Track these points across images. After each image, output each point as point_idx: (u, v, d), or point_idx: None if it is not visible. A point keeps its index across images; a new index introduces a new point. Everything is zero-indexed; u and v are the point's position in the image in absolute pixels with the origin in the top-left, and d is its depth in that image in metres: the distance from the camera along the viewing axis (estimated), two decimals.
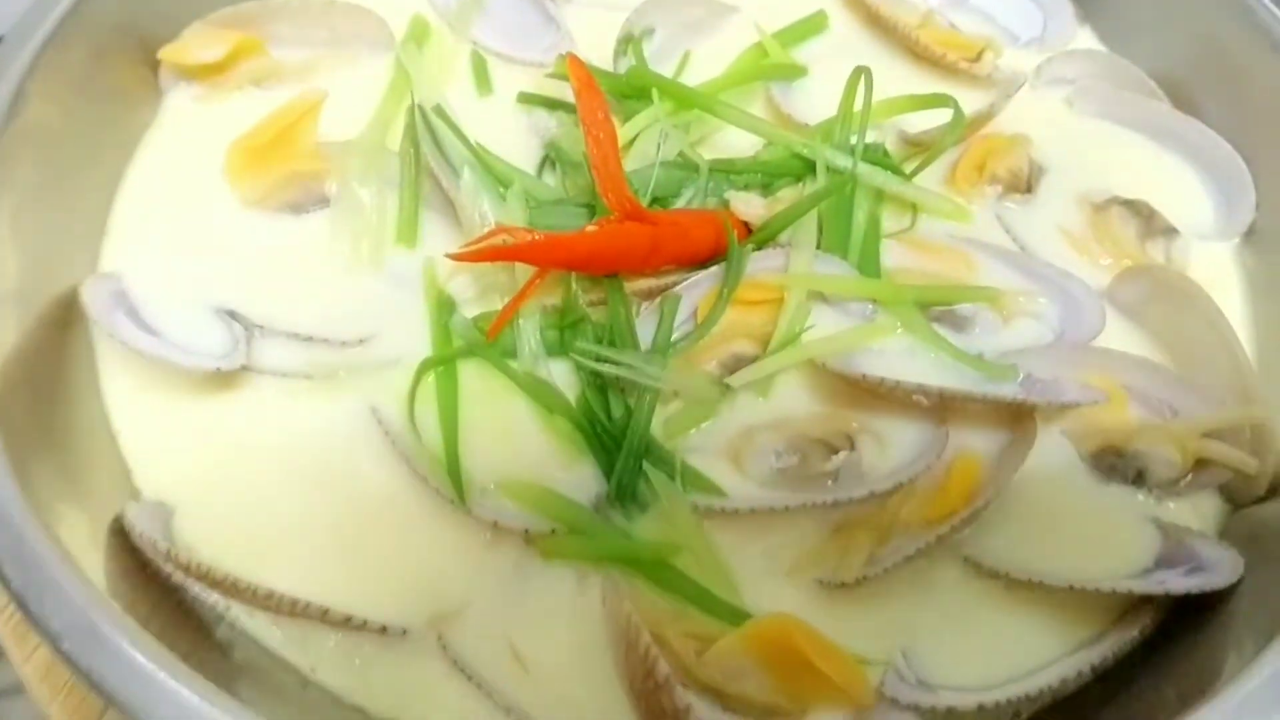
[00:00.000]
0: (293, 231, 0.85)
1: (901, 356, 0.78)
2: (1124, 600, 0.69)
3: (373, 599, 0.67)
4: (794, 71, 0.95)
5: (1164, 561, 0.71)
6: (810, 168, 0.85)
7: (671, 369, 0.74)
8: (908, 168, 0.88)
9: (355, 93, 0.91)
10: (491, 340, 0.76)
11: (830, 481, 0.73)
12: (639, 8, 0.95)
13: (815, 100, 0.93)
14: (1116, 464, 0.74)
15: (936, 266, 0.84)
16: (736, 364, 0.77)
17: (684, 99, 0.87)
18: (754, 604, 0.68)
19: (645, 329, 0.77)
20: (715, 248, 0.80)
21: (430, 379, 0.75)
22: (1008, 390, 0.74)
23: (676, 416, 0.75)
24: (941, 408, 0.75)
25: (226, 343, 0.77)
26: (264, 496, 0.72)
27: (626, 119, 0.88)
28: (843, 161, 0.84)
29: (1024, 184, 0.89)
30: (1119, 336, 0.81)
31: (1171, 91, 0.95)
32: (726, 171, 0.86)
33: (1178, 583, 0.67)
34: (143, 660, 0.54)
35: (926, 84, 0.96)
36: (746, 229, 0.82)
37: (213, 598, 0.67)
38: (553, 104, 0.91)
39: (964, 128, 0.87)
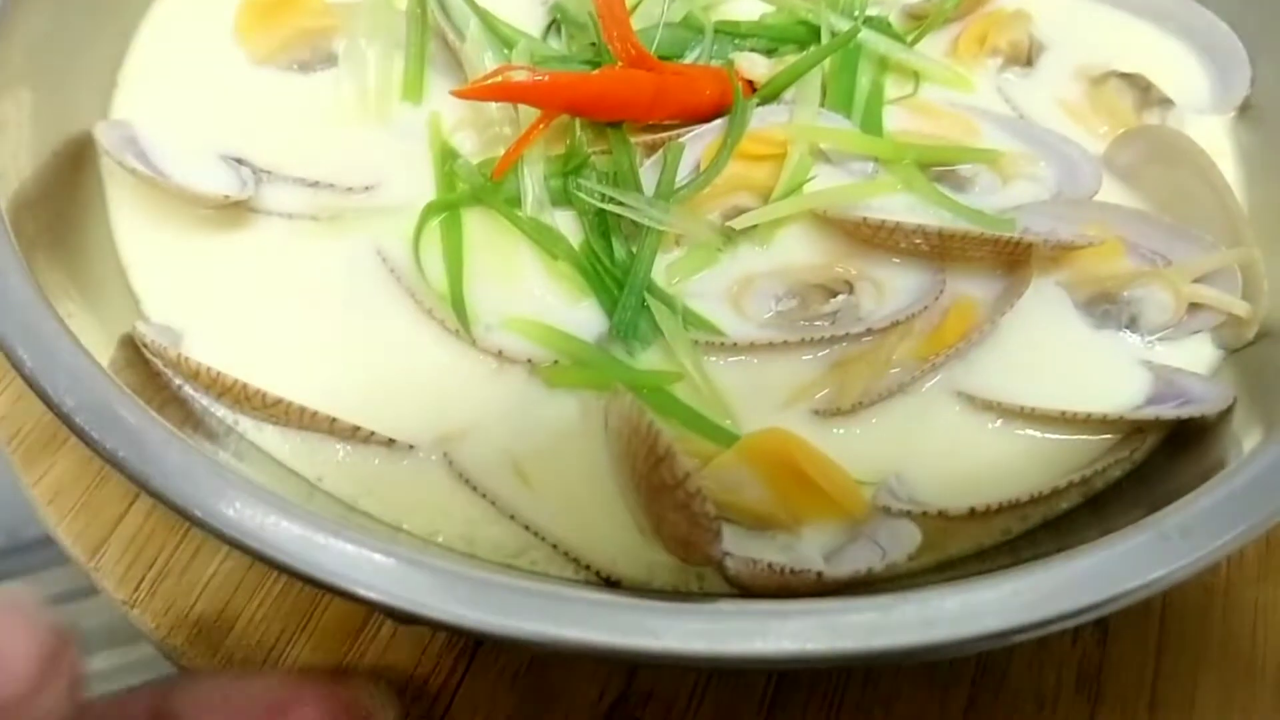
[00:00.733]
0: (301, 89, 0.86)
1: (902, 212, 0.79)
2: (1115, 429, 0.70)
3: (380, 417, 0.68)
4: None
5: (1155, 400, 0.72)
6: (815, 34, 0.87)
7: (675, 213, 0.75)
8: (911, 39, 0.89)
9: None
10: (496, 182, 0.76)
11: (828, 323, 0.74)
12: None
13: None
14: (1110, 310, 0.76)
15: (939, 129, 0.85)
16: (738, 215, 0.78)
17: None
18: (750, 430, 0.70)
19: (649, 177, 0.78)
20: (720, 102, 0.81)
21: (435, 223, 0.77)
22: (1000, 232, 0.75)
23: (679, 261, 0.76)
24: (940, 253, 0.76)
25: (234, 183, 0.77)
26: (273, 324, 0.73)
27: None
28: (846, 26, 0.85)
29: (1024, 57, 0.90)
30: (1115, 198, 0.82)
31: None
32: (732, 34, 0.87)
33: (1168, 411, 0.69)
34: (157, 432, 0.55)
35: None
36: (751, 88, 0.83)
37: (221, 410, 0.68)
38: None
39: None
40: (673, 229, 0.75)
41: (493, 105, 0.81)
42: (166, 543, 0.73)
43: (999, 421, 0.71)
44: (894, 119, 0.85)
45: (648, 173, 0.78)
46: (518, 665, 0.70)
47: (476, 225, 0.78)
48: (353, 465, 0.67)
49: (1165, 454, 0.70)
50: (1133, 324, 0.75)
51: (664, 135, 0.80)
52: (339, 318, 0.73)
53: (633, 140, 0.80)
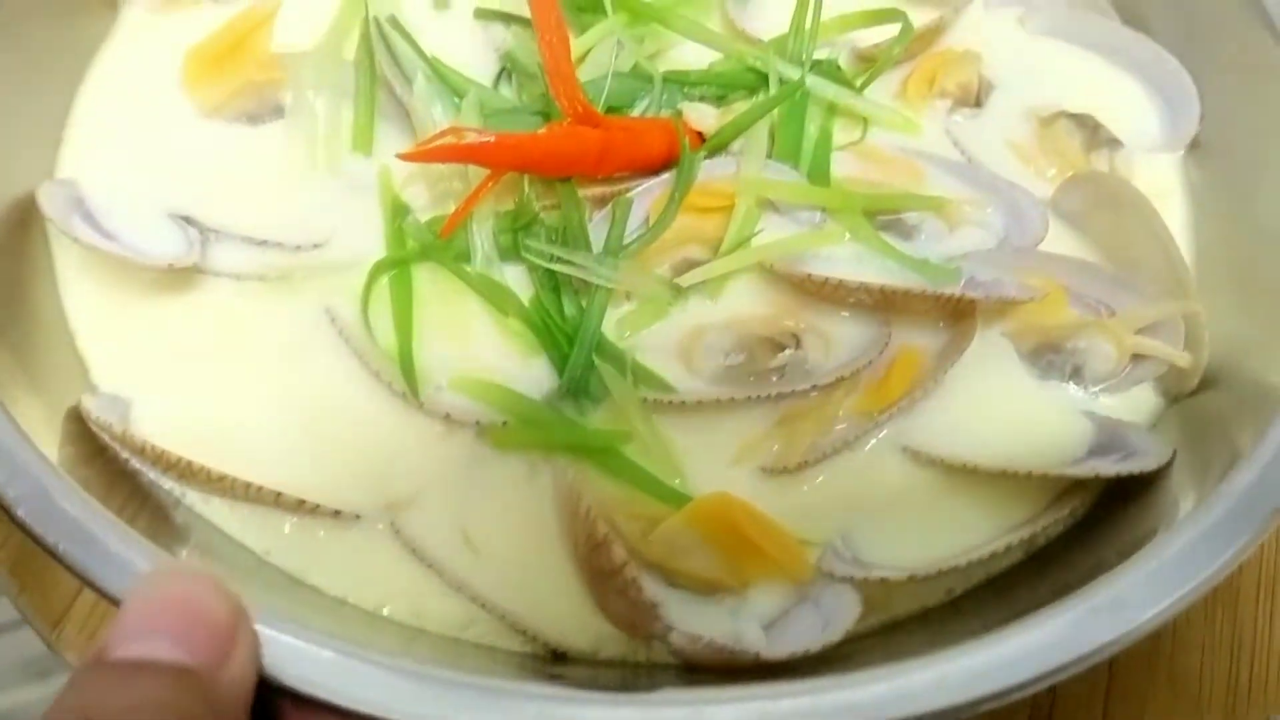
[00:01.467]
0: (249, 141, 0.85)
1: (848, 261, 0.79)
2: (1056, 484, 0.71)
3: (327, 487, 0.69)
4: None
5: (1097, 451, 0.73)
6: (763, 81, 0.87)
7: (624, 269, 0.76)
8: (859, 82, 0.89)
9: (313, 3, 0.91)
10: (445, 240, 0.77)
11: (776, 378, 0.75)
12: None
13: (770, 15, 0.93)
14: (1054, 360, 0.77)
15: (886, 176, 0.85)
16: (688, 268, 0.78)
17: (638, 11, 0.88)
18: (699, 491, 0.70)
19: (598, 232, 0.78)
20: (667, 154, 0.81)
21: (384, 280, 0.77)
22: (949, 287, 0.76)
23: (629, 316, 0.77)
24: (885, 306, 0.77)
25: (181, 245, 0.77)
26: (220, 391, 0.73)
27: (582, 33, 0.89)
28: (794, 73, 0.85)
29: (973, 98, 0.91)
30: (1062, 243, 0.83)
31: (1122, 8, 0.96)
32: (680, 83, 0.87)
33: (1107, 466, 0.70)
34: (99, 528, 0.55)
35: None
36: (700, 138, 0.84)
37: (168, 483, 0.68)
38: (509, 18, 0.92)
39: (911, 41, 0.88)
40: (621, 286, 0.76)
41: None
42: None
43: (943, 476, 0.72)
44: (842, 165, 0.85)
45: (597, 227, 0.78)
46: None
47: (427, 281, 0.78)
48: (300, 538, 0.68)
49: (1106, 507, 0.71)
50: (1077, 374, 0.76)
51: (613, 189, 0.80)
52: (285, 382, 0.73)
53: (583, 194, 0.80)
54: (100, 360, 0.75)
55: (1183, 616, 0.74)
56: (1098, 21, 0.95)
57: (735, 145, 0.83)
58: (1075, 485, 0.71)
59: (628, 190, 0.80)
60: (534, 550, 0.68)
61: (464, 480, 0.70)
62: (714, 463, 0.72)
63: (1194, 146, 0.90)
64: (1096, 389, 0.76)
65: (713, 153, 0.83)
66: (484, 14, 0.93)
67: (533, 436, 0.71)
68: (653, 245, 0.78)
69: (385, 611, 0.66)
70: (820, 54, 0.90)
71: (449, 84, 0.85)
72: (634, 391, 0.71)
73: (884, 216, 0.83)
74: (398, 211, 0.80)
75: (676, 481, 0.71)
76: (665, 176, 0.80)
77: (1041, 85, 0.92)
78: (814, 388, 0.73)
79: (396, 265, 0.77)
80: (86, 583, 0.54)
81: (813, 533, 0.69)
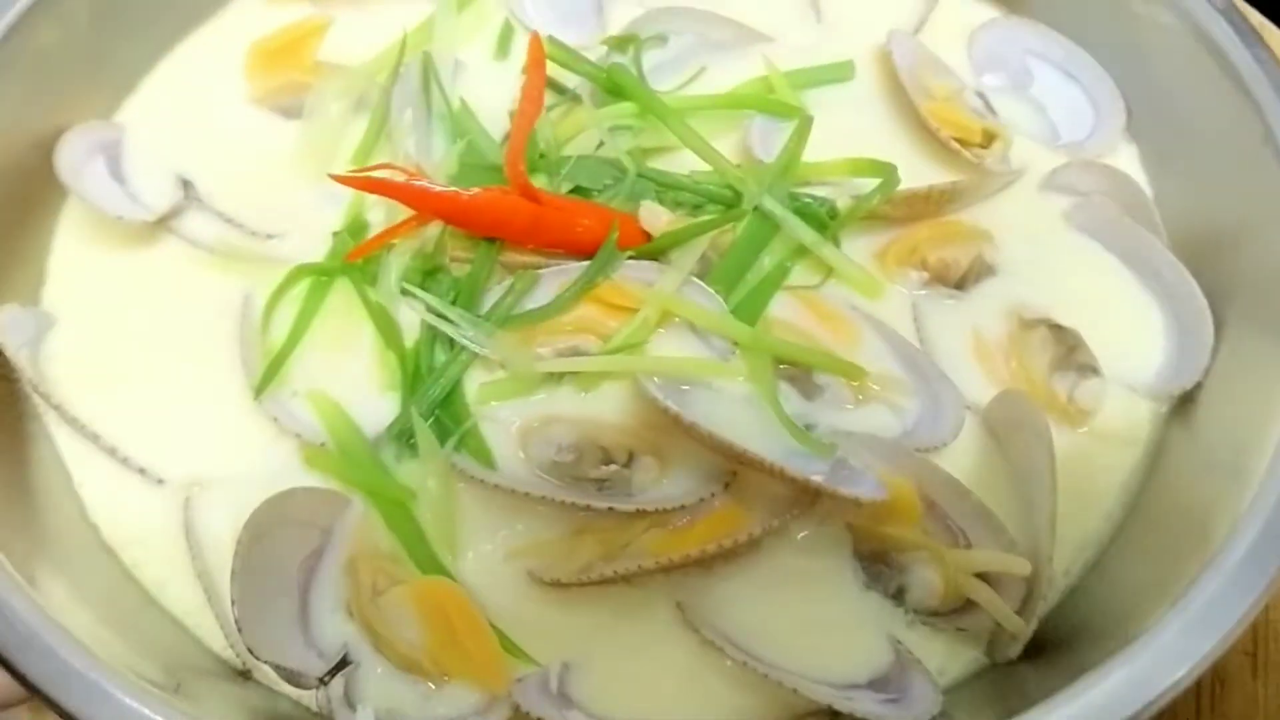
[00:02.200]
0: (275, 131, 0.93)
1: (733, 402, 0.76)
2: (809, 703, 0.65)
3: (150, 445, 0.75)
4: (786, 110, 0.93)
5: (878, 683, 0.66)
6: (740, 202, 0.85)
7: (498, 338, 0.77)
8: (848, 230, 0.85)
9: (383, 28, 0.98)
10: (352, 262, 0.81)
11: (594, 488, 0.73)
12: (654, 12, 0.97)
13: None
14: (883, 572, 0.70)
15: (820, 331, 0.81)
16: (573, 356, 0.78)
17: (646, 105, 0.89)
18: (466, 571, 0.71)
19: (494, 297, 0.80)
20: (600, 242, 0.81)
21: (304, 284, 0.83)
22: (800, 467, 0.70)
23: (492, 385, 0.78)
24: (735, 460, 0.73)
25: (164, 204, 0.87)
26: (126, 334, 0.81)
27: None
28: (770, 205, 0.83)
29: (954, 279, 0.84)
30: (975, 454, 0.77)
31: (1179, 236, 0.86)
32: (656, 182, 0.86)
33: (866, 705, 0.63)
34: None
35: (931, 160, 0.92)
36: (646, 237, 0.83)
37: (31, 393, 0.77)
38: (549, 84, 0.95)
39: (891, 195, 0.84)
40: (490, 354, 0.77)
41: None
42: None
43: (699, 646, 0.68)
44: (781, 306, 0.82)
45: (495, 294, 0.80)
46: None
47: (342, 295, 0.83)
48: (109, 477, 0.74)
49: None
50: (899, 595, 0.70)
51: (538, 263, 0.82)
52: (175, 344, 0.81)
53: (511, 258, 0.82)
54: (58, 279, 0.85)
55: None
56: (1144, 236, 0.86)
57: (673, 255, 0.82)
58: (828, 712, 0.65)
59: (544, 268, 0.81)
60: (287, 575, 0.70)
61: (264, 485, 0.73)
62: (493, 550, 0.72)
63: (1184, 401, 0.79)
64: (915, 617, 0.69)
65: (648, 256, 0.82)
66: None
67: (336, 466, 0.74)
68: (545, 325, 0.79)
69: (137, 574, 0.71)
70: (821, 192, 0.87)
71: (457, 126, 0.90)
72: (442, 456, 0.73)
73: (794, 370, 0.79)
74: (352, 228, 0.86)
75: (449, 556, 0.71)
76: (583, 264, 0.80)
77: (1046, 285, 0.85)
78: (610, 509, 0.70)
79: (313, 274, 0.82)
80: None
81: (545, 651, 0.68)
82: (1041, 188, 0.91)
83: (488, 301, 0.80)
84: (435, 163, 0.87)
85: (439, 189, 0.79)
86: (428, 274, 0.81)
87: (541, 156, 0.86)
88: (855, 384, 0.78)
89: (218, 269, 0.85)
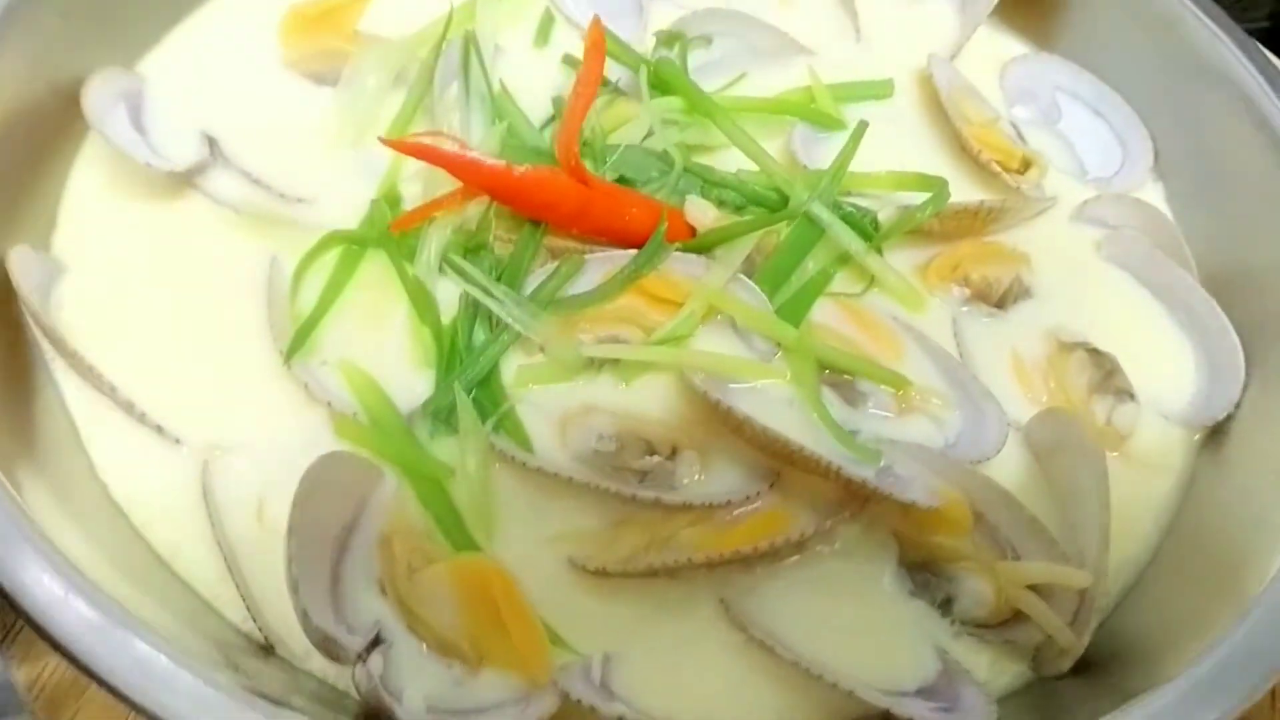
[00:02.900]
0: (305, 96, 0.91)
1: (775, 403, 0.75)
2: (854, 705, 0.63)
3: (167, 403, 0.71)
4: (828, 121, 0.93)
5: (926, 692, 0.65)
6: (785, 205, 0.84)
7: (542, 321, 0.75)
8: (889, 243, 0.85)
9: (425, 4, 0.96)
10: (396, 233, 0.78)
11: (636, 478, 0.71)
12: (701, 13, 0.97)
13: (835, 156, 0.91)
14: (929, 582, 0.69)
15: (863, 340, 0.81)
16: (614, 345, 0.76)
17: (694, 102, 0.88)
18: (502, 553, 0.68)
19: (537, 279, 0.77)
20: (649, 233, 0.79)
21: (335, 252, 0.79)
22: (850, 466, 0.69)
23: (532, 368, 0.75)
24: (782, 459, 0.71)
25: (190, 159, 0.83)
26: (142, 286, 0.77)
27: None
28: (816, 208, 0.82)
29: (994, 298, 0.84)
30: (1016, 472, 0.76)
31: (1206, 271, 0.88)
32: (702, 178, 0.85)
33: (918, 712, 0.62)
34: None
35: (966, 181, 0.93)
36: (691, 233, 0.82)
37: (46, 346, 0.73)
38: None
39: (940, 209, 0.83)
40: (533, 336, 0.75)
41: None
42: None
43: (746, 644, 0.66)
44: (823, 312, 0.81)
45: (539, 275, 0.77)
46: None
47: (375, 267, 0.80)
48: (121, 435, 0.70)
49: None
50: (946, 605, 0.68)
51: (581, 248, 0.80)
52: (199, 302, 0.77)
53: (553, 242, 0.80)
54: (69, 226, 0.80)
55: None
56: (1175, 271, 0.87)
57: (719, 251, 0.81)
58: (878, 715, 0.63)
59: (590, 253, 0.79)
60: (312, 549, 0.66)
61: (290, 456, 0.69)
62: (531, 534, 0.69)
63: (1215, 433, 0.80)
64: (961, 628, 0.68)
65: (694, 250, 0.80)
66: (570, 61, 0.95)
67: (370, 438, 0.70)
68: (588, 312, 0.76)
69: (147, 534, 0.66)
70: (865, 204, 0.87)
71: (497, 108, 0.88)
72: (482, 436, 0.70)
73: (837, 376, 0.78)
74: (388, 198, 0.83)
75: (485, 537, 0.68)
76: (632, 253, 0.79)
77: (1081, 311, 0.85)
78: (657, 501, 0.68)
79: (347, 242, 0.79)
80: None
81: (583, 641, 0.65)
82: (1073, 219, 0.92)
83: (530, 284, 0.77)
84: (476, 141, 0.85)
85: (490, 163, 0.77)
86: (469, 251, 0.79)
87: (585, 144, 0.85)
88: (899, 394, 0.77)
89: (243, 229, 0.81)
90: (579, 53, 0.93)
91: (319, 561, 0.63)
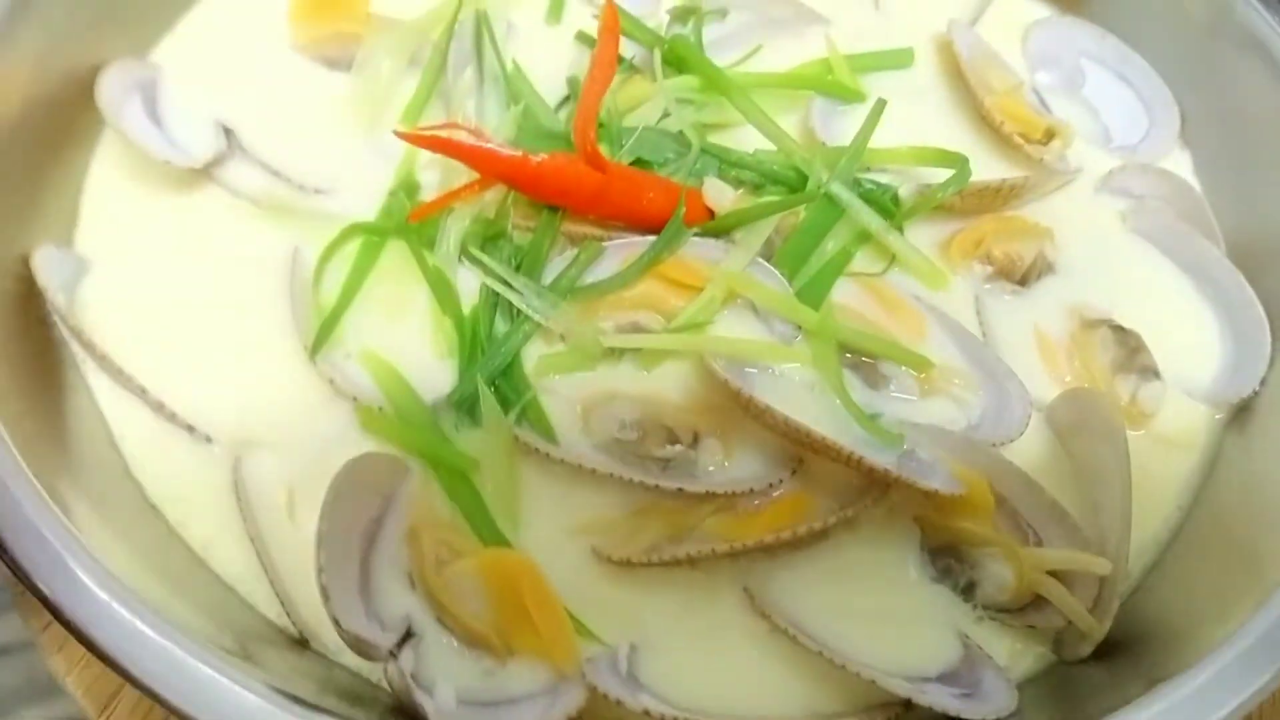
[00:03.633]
0: (319, 82, 0.90)
1: (796, 387, 0.75)
2: (877, 693, 0.64)
3: (197, 401, 0.72)
4: (847, 93, 0.92)
5: (948, 677, 0.66)
6: (804, 183, 0.84)
7: (562, 310, 0.75)
8: (909, 215, 0.84)
9: None
10: (415, 223, 0.78)
11: (658, 468, 0.72)
12: None
13: (857, 130, 0.89)
14: (952, 567, 0.70)
15: (885, 320, 0.80)
16: (634, 331, 0.76)
17: (710, 79, 0.87)
18: (527, 544, 0.69)
19: (557, 267, 0.77)
20: (667, 216, 0.79)
21: (356, 243, 0.80)
22: (872, 454, 0.69)
23: (552, 356, 0.76)
24: (804, 445, 0.72)
25: (208, 151, 0.83)
26: (167, 285, 0.78)
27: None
28: (835, 188, 0.82)
29: (1018, 274, 0.83)
30: (1039, 453, 0.76)
31: (1234, 242, 0.87)
32: (720, 158, 0.85)
33: (940, 699, 0.63)
34: None
35: (988, 151, 0.91)
36: (709, 215, 0.81)
37: (76, 347, 0.73)
38: None
39: (977, 193, 0.83)
40: (552, 325, 0.75)
41: None
42: None
43: (769, 632, 0.67)
44: (844, 291, 0.81)
45: (558, 263, 0.78)
46: None
47: (394, 256, 0.80)
48: (152, 435, 0.71)
49: None
50: (969, 590, 0.69)
51: (599, 234, 0.79)
52: (222, 298, 0.77)
53: (571, 228, 0.80)
54: (91, 222, 0.81)
55: None
56: (1201, 244, 0.86)
57: (738, 234, 0.81)
58: (900, 703, 0.64)
59: (608, 239, 0.79)
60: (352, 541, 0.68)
61: (319, 450, 0.70)
62: (556, 525, 0.70)
63: (1241, 410, 0.79)
64: (983, 613, 0.69)
65: (712, 233, 0.80)
66: (584, 38, 0.94)
67: (396, 431, 0.71)
68: (607, 298, 0.77)
69: (183, 532, 0.68)
70: (885, 179, 0.86)
71: (512, 89, 0.87)
72: (506, 428, 0.70)
73: (858, 358, 0.78)
74: (406, 187, 0.83)
75: (511, 528, 0.69)
76: (651, 238, 0.78)
77: (1105, 286, 0.85)
78: (680, 491, 0.69)
79: (371, 233, 0.79)
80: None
81: (608, 631, 0.66)
82: (1097, 190, 0.91)
83: (549, 271, 0.77)
84: (492, 126, 0.85)
85: (507, 153, 0.77)
86: (488, 239, 0.79)
87: (602, 126, 0.84)
88: (921, 376, 0.77)
89: (264, 221, 0.81)
90: (592, 28, 0.92)
91: (348, 561, 0.64)
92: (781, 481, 0.71)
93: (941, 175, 0.85)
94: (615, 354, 0.76)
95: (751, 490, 0.70)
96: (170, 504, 0.69)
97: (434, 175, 0.84)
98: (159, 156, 0.79)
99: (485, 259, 0.76)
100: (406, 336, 0.77)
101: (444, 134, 0.77)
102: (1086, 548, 0.68)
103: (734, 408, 0.73)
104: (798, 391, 0.75)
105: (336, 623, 0.58)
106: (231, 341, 0.75)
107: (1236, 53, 0.91)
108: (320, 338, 0.74)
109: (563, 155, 0.78)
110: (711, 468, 0.72)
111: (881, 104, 0.83)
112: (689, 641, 0.67)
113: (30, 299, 0.73)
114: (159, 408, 0.70)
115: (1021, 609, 0.68)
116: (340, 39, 0.91)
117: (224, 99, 0.87)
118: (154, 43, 0.91)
